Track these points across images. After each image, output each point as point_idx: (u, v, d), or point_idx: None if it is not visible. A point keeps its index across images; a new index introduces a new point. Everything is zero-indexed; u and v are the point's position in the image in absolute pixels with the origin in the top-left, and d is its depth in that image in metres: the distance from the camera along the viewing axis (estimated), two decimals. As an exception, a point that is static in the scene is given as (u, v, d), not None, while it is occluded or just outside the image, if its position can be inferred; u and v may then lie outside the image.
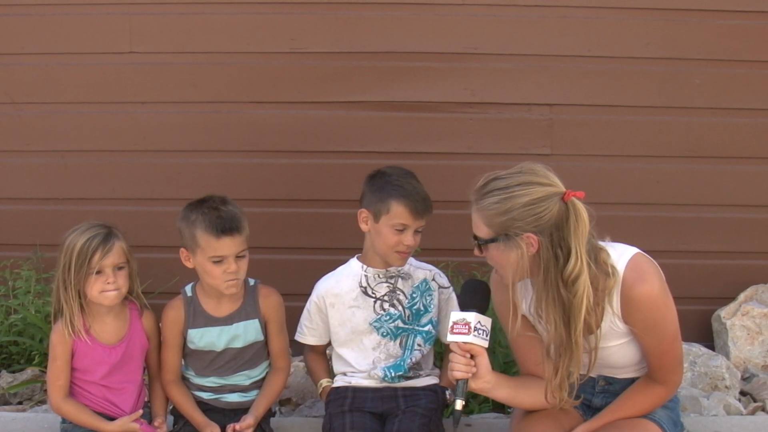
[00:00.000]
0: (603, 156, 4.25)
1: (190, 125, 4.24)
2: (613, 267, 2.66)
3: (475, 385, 2.74)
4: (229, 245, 3.01)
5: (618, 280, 2.66)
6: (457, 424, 2.73)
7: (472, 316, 2.70)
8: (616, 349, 2.76)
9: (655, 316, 2.66)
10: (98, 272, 2.97)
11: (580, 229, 2.58)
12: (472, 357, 2.70)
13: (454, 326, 2.71)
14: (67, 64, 4.23)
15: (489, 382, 2.75)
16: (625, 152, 4.25)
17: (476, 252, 2.73)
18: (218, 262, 3.02)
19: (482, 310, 2.75)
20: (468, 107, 4.24)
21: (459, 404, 2.69)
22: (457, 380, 2.71)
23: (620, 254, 2.70)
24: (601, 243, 2.71)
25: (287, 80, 4.23)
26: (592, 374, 2.82)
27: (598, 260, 2.65)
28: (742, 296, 4.17)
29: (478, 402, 3.62)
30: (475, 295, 2.79)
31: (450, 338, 2.73)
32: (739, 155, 4.25)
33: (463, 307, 2.78)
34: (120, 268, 3.01)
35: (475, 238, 2.70)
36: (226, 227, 2.99)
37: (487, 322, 2.72)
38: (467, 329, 2.69)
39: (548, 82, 4.23)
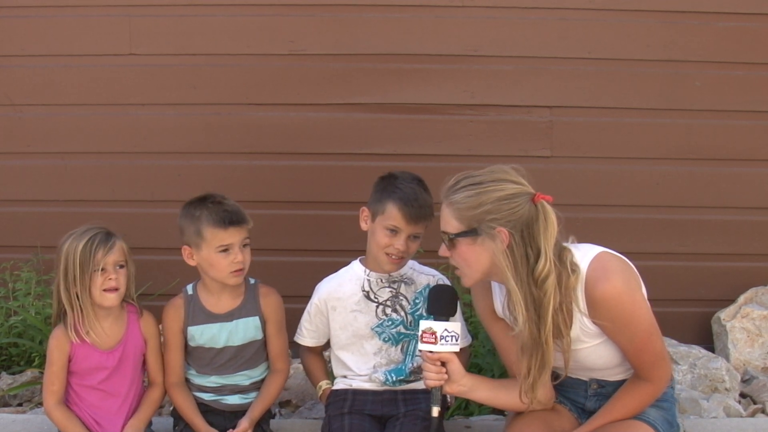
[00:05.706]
0: (603, 158, 4.25)
1: (189, 127, 4.25)
2: (575, 264, 2.67)
3: (450, 390, 2.79)
4: (234, 234, 3.07)
5: (581, 278, 2.66)
6: (434, 430, 2.78)
7: (437, 326, 2.74)
8: (592, 349, 2.76)
9: (622, 314, 2.65)
10: (102, 270, 3.00)
11: (549, 230, 2.61)
12: (443, 364, 2.75)
13: (423, 335, 2.76)
14: (67, 66, 4.23)
15: (464, 386, 2.79)
16: (624, 154, 4.26)
17: (442, 251, 2.75)
18: (224, 251, 3.07)
19: (449, 314, 2.80)
20: (468, 109, 4.24)
21: (435, 411, 2.76)
22: (431, 388, 2.76)
23: (584, 254, 2.70)
24: (565, 244, 2.72)
25: (287, 82, 4.23)
26: (583, 377, 2.85)
27: (562, 259, 2.66)
28: (741, 298, 4.17)
29: (478, 404, 3.62)
30: (439, 301, 2.83)
31: (420, 346, 2.78)
32: (739, 157, 4.26)
33: (430, 313, 2.82)
34: (121, 267, 3.04)
35: (444, 233, 2.71)
36: (233, 219, 3.07)
37: (455, 327, 2.76)
38: (434, 338, 2.74)
39: (548, 85, 4.23)
